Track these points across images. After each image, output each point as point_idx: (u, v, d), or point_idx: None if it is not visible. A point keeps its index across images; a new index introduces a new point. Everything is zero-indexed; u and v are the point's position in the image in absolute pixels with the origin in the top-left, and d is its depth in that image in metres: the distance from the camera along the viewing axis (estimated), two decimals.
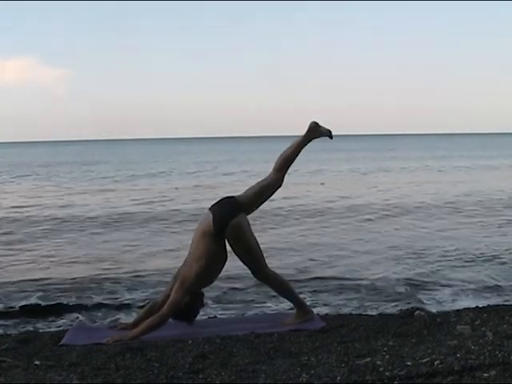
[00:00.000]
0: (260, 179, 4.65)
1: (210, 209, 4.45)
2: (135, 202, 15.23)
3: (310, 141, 4.70)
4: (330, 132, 4.75)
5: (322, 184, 19.91)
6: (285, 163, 4.62)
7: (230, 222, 4.29)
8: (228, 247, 4.42)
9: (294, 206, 13.74)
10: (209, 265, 4.31)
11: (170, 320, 4.52)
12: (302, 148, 4.67)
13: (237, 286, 6.42)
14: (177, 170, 29.61)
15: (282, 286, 4.57)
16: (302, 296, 5.09)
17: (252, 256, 4.40)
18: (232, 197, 4.51)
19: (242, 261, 4.46)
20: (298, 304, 4.58)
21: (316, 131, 4.70)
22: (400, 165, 30.16)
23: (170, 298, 4.31)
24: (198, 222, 4.52)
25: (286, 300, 4.81)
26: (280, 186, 4.61)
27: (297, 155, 4.66)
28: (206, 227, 4.35)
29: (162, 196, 16.71)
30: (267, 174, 4.62)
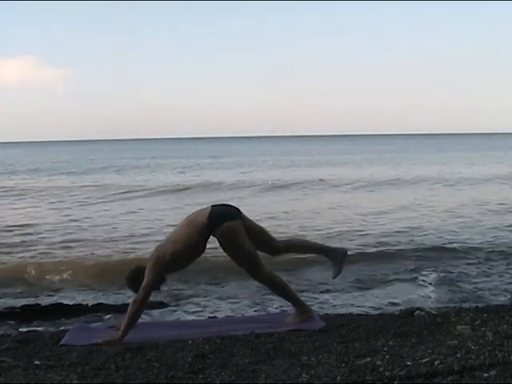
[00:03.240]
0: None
1: (212, 205, 4.47)
2: None
3: (328, 256, 4.63)
4: (339, 271, 4.63)
5: (320, 180, 19.72)
6: (293, 249, 4.74)
7: (225, 222, 4.31)
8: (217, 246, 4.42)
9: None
10: (184, 250, 4.31)
11: (171, 320, 4.52)
12: (315, 253, 4.84)
13: (236, 285, 6.41)
14: None
15: (279, 288, 4.56)
16: (300, 296, 5.08)
17: (244, 260, 4.41)
18: (237, 208, 4.54)
19: (236, 262, 4.46)
20: (297, 304, 4.58)
21: (338, 256, 4.59)
22: None
23: (144, 280, 4.29)
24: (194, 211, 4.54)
25: (286, 300, 4.81)
26: (272, 255, 4.64)
27: (307, 253, 4.91)
28: (198, 217, 4.37)
29: None
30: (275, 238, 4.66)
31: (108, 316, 5.50)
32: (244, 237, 4.37)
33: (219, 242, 4.38)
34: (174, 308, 5.72)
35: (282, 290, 4.58)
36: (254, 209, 12.22)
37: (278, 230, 9.08)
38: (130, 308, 4.30)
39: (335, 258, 4.58)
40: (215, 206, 4.45)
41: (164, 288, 4.72)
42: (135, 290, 4.42)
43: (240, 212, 4.47)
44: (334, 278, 4.63)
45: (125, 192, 18.09)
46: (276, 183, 19.77)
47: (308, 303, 4.96)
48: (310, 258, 7.99)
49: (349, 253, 4.78)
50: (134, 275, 4.45)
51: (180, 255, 4.33)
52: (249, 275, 4.52)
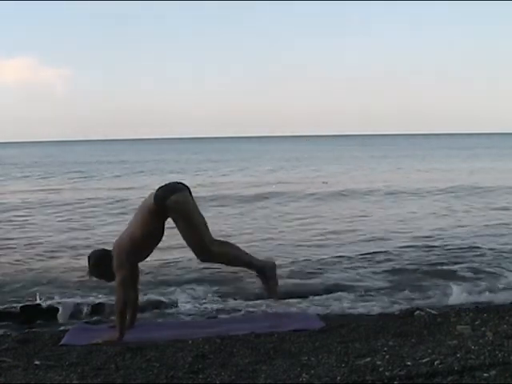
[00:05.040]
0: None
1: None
2: None
3: (259, 271, 4.47)
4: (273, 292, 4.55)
5: (324, 183, 19.78)
6: (225, 255, 4.39)
7: (171, 195, 4.21)
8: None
9: None
10: (142, 238, 4.24)
11: (171, 320, 4.51)
12: (246, 268, 4.57)
13: (236, 285, 6.41)
14: None
15: (234, 260, 4.46)
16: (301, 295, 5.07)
17: (194, 232, 4.25)
18: (185, 184, 4.41)
19: (185, 238, 4.29)
20: (257, 269, 4.46)
21: (270, 270, 4.48)
22: None
23: (116, 278, 4.24)
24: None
25: (286, 300, 4.79)
26: (197, 254, 4.34)
27: (235, 265, 4.62)
28: (146, 202, 4.31)
29: None
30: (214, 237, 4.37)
31: (108, 316, 5.51)
32: (194, 209, 4.26)
33: (172, 219, 4.26)
34: (174, 308, 5.72)
35: (238, 261, 4.47)
36: None
37: None
38: (115, 307, 4.27)
39: (268, 277, 4.43)
40: (160, 186, 4.36)
41: (163, 290, 4.68)
42: (99, 277, 4.44)
43: (186, 185, 4.36)
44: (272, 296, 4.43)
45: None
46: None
47: (308, 303, 4.96)
48: (311, 256, 8.06)
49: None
50: (99, 260, 4.36)
51: (140, 245, 4.27)
52: (196, 256, 4.36)
